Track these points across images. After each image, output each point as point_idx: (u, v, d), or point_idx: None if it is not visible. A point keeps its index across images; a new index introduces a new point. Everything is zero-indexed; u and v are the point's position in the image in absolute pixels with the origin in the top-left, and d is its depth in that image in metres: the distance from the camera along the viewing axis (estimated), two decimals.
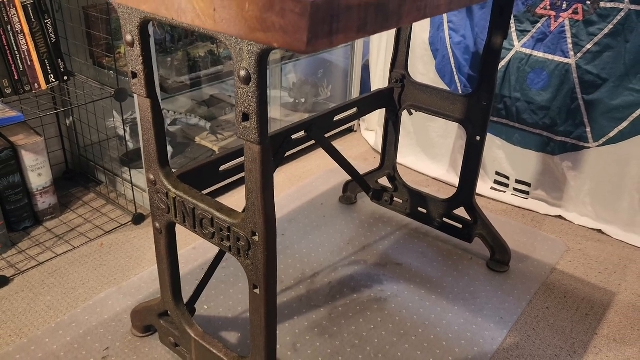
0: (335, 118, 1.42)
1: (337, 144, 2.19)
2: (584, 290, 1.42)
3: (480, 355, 1.21)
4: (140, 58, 0.84)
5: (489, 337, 1.26)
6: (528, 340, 1.26)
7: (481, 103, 1.38)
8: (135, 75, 0.87)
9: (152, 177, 0.96)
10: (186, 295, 1.23)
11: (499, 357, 1.21)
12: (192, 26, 0.57)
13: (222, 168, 1.14)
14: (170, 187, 0.94)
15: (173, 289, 1.07)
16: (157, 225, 1.01)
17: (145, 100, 0.88)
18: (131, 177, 1.65)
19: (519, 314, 1.33)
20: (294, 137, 1.28)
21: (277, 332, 1.23)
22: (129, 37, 0.83)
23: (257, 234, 0.82)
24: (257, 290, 0.87)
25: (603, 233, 1.67)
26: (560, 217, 1.75)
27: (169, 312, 1.11)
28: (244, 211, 0.84)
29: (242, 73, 0.70)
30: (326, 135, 1.41)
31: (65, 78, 1.52)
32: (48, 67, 1.47)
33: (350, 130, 2.32)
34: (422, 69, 1.90)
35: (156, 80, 1.43)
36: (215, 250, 1.37)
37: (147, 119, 0.90)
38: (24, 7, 1.38)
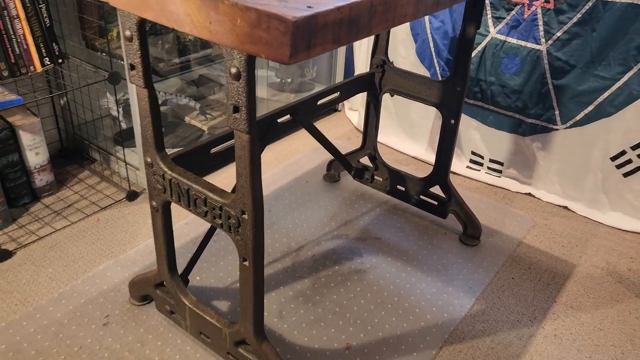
0: (319, 102, 1.50)
1: (322, 123, 2.27)
2: (547, 262, 1.55)
3: (449, 320, 1.33)
4: (139, 52, 0.92)
5: (457, 304, 1.38)
6: (493, 307, 1.38)
7: (456, 88, 1.48)
8: (133, 67, 0.95)
9: (149, 159, 1.05)
10: (180, 267, 1.32)
11: (465, 323, 1.33)
12: (190, 34, 0.65)
13: (213, 150, 1.23)
14: (166, 169, 1.03)
15: (168, 261, 1.17)
16: (154, 203, 1.10)
17: (143, 90, 0.96)
18: (124, 156, 1.72)
19: (486, 284, 1.45)
20: (279, 120, 1.37)
21: (265, 300, 1.34)
22: (127, 33, 0.91)
23: (246, 212, 0.92)
24: (246, 263, 0.97)
25: (568, 209, 1.79)
26: (529, 194, 1.87)
27: (164, 283, 1.21)
28: (233, 191, 0.93)
29: (233, 70, 0.79)
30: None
31: (60, 61, 1.58)
32: (43, 50, 1.53)
33: (334, 110, 2.40)
34: (403, 52, 1.99)
35: None
36: (206, 225, 1.46)
37: (145, 107, 0.98)
38: None
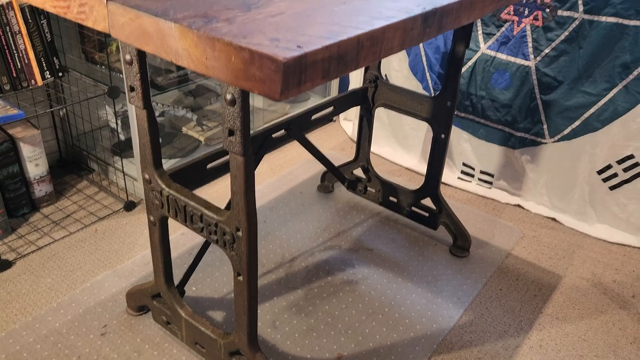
0: (313, 117, 1.54)
1: (317, 134, 2.31)
2: (534, 273, 1.59)
3: (438, 331, 1.37)
4: (138, 75, 0.96)
5: (446, 315, 1.42)
6: (481, 318, 1.42)
7: (446, 104, 1.52)
8: (133, 89, 0.98)
9: (147, 176, 1.08)
10: (176, 278, 1.36)
11: (454, 333, 1.37)
12: (188, 68, 0.69)
13: (209, 166, 1.26)
14: (164, 186, 1.06)
15: (165, 274, 1.20)
16: (152, 218, 1.14)
17: (142, 111, 1.00)
18: (122, 166, 1.76)
19: (474, 295, 1.49)
20: (274, 135, 1.41)
21: (259, 311, 1.38)
22: (127, 57, 0.95)
23: (240, 229, 0.95)
24: (240, 278, 1.01)
25: (556, 221, 1.83)
26: (519, 205, 1.91)
27: (161, 294, 1.25)
28: (228, 208, 0.97)
29: (229, 97, 0.83)
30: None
31: (60, 74, 1.61)
32: (44, 64, 1.57)
33: (329, 120, 2.44)
34: (397, 65, 2.03)
35: None
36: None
37: (143, 127, 1.02)
38: (22, 10, 1.47)
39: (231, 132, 0.86)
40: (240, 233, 0.96)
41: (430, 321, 1.40)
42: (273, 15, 0.72)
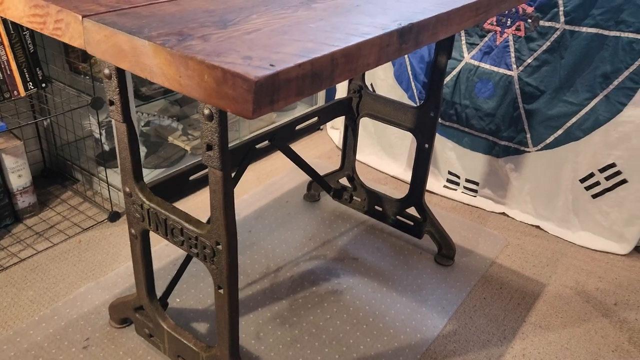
0: (297, 127, 1.55)
1: (303, 142, 2.32)
2: (518, 281, 1.60)
3: (423, 340, 1.38)
4: (117, 89, 0.96)
5: (430, 325, 1.42)
6: (465, 327, 1.43)
7: (429, 114, 1.53)
8: (112, 103, 0.98)
9: (128, 189, 1.08)
10: (160, 289, 1.36)
11: (438, 343, 1.37)
12: (162, 85, 0.69)
13: (192, 178, 1.26)
14: (144, 199, 1.06)
15: (147, 286, 1.20)
16: (133, 231, 1.13)
17: (122, 125, 1.00)
18: (107, 177, 1.75)
19: (458, 304, 1.50)
20: (257, 146, 1.41)
21: (243, 322, 1.38)
22: (107, 71, 0.95)
23: (220, 243, 0.95)
24: (221, 291, 1.01)
25: (540, 229, 1.85)
26: (504, 213, 1.92)
27: (143, 307, 1.24)
28: (208, 222, 0.97)
29: (206, 112, 0.83)
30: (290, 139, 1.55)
31: (44, 85, 1.61)
32: (27, 75, 1.56)
33: (316, 128, 2.45)
34: (382, 74, 2.04)
35: (131, 101, 1.53)
36: None
37: (123, 140, 1.02)
38: (4, 21, 1.47)
39: (209, 147, 0.86)
40: (220, 247, 0.96)
41: (415, 331, 1.40)
42: (249, 32, 0.72)
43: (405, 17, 0.83)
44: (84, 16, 0.74)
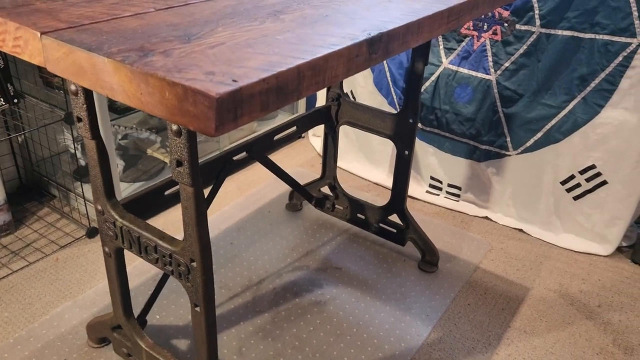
0: (276, 137, 1.53)
1: (285, 150, 2.30)
2: (502, 286, 1.59)
3: (407, 350, 1.36)
4: (84, 105, 0.94)
5: (415, 333, 1.41)
6: (449, 335, 1.41)
7: (408, 121, 1.52)
8: (80, 119, 0.96)
9: (99, 207, 1.06)
10: (139, 305, 1.33)
11: (422, 351, 1.36)
12: (124, 103, 0.67)
13: (167, 192, 1.24)
14: (117, 217, 1.04)
15: (124, 305, 1.17)
16: (107, 249, 1.11)
17: (91, 142, 0.97)
18: (83, 192, 1.72)
19: (443, 311, 1.49)
20: (235, 158, 1.39)
21: (224, 337, 1.36)
22: (72, 87, 0.92)
23: (195, 260, 0.93)
24: (197, 309, 0.99)
25: (524, 232, 1.84)
26: (487, 217, 1.92)
27: (121, 326, 1.21)
28: (183, 239, 0.95)
29: (174, 127, 0.81)
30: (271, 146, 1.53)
31: (16, 100, 1.58)
32: None
33: (297, 136, 2.43)
34: (362, 81, 2.03)
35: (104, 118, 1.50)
36: None
37: (93, 157, 0.99)
38: None
39: (179, 163, 0.84)
40: (194, 264, 0.93)
41: (399, 340, 1.38)
42: (212, 46, 0.70)
43: (375, 27, 0.82)
44: (42, 33, 0.72)
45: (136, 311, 1.24)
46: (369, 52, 0.79)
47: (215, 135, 0.59)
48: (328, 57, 0.71)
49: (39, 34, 0.72)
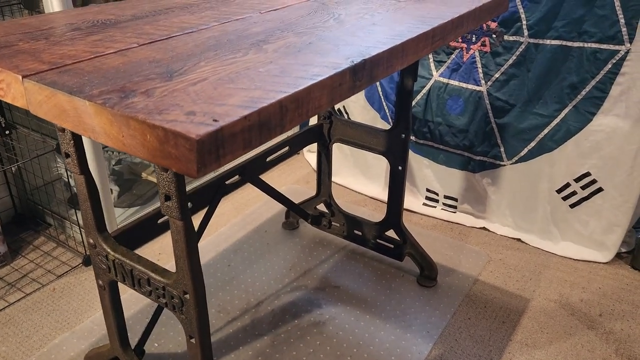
0: (268, 159, 1.53)
1: (280, 168, 2.30)
2: (502, 298, 1.58)
3: None
4: (72, 141, 0.93)
5: (416, 351, 1.40)
6: (450, 351, 1.40)
7: (400, 136, 1.52)
8: (68, 155, 0.96)
9: (91, 241, 1.05)
10: (137, 334, 1.32)
11: None
12: (107, 145, 0.67)
13: (160, 221, 1.23)
14: (109, 250, 1.03)
15: (120, 337, 1.16)
16: (101, 282, 1.10)
17: (80, 177, 0.97)
18: (78, 220, 1.71)
19: (443, 327, 1.48)
20: (227, 182, 1.39)
21: None
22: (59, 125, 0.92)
23: (187, 293, 0.93)
24: (192, 340, 0.98)
25: (522, 242, 1.84)
26: (484, 228, 1.91)
27: (118, 357, 1.20)
28: (175, 272, 0.94)
29: None
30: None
31: (7, 132, 1.57)
32: None
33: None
34: (354, 97, 2.03)
35: None
36: None
37: (83, 192, 0.99)
38: None
39: (167, 198, 0.84)
40: (187, 296, 0.93)
41: (400, 359, 1.37)
42: (194, 83, 0.70)
43: (358, 53, 0.82)
44: (24, 76, 0.71)
45: (134, 340, 1.24)
46: (353, 79, 0.79)
47: (198, 176, 0.58)
48: (311, 88, 0.71)
49: (20, 78, 0.72)
